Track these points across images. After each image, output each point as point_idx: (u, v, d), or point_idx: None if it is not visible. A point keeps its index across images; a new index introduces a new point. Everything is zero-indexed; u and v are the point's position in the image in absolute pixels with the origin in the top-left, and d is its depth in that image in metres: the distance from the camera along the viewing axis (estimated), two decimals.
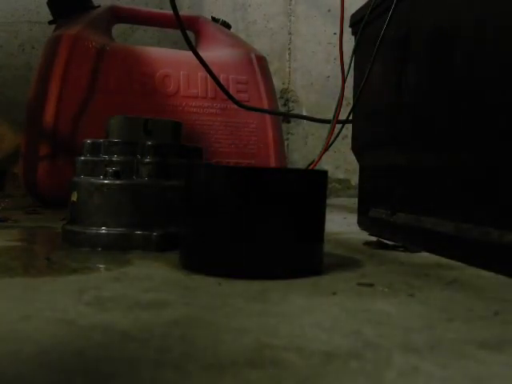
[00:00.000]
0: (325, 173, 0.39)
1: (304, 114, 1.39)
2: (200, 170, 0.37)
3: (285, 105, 1.41)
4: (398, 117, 0.56)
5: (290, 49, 1.42)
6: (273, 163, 1.00)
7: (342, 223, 0.73)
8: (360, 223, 0.67)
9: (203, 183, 0.36)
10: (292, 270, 0.36)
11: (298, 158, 1.41)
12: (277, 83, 1.27)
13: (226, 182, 0.36)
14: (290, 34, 1.42)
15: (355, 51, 0.64)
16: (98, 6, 1.00)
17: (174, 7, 0.67)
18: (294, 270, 0.36)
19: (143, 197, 0.45)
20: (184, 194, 0.38)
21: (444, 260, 0.44)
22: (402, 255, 0.46)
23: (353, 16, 0.69)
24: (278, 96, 1.34)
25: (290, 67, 1.42)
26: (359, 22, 0.63)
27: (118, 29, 1.11)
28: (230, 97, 0.78)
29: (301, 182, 0.36)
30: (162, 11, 1.07)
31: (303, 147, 1.43)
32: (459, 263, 0.42)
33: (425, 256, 0.46)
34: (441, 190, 0.47)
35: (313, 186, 0.37)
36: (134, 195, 0.45)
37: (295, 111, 1.41)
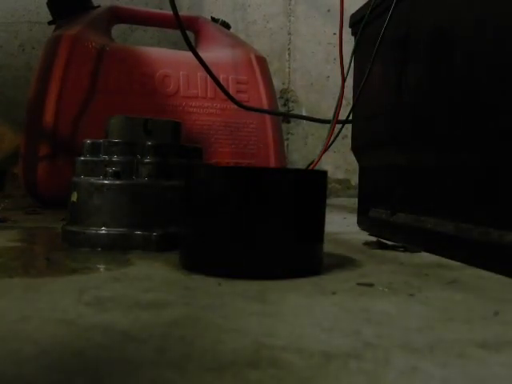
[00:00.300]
0: (324, 173, 0.39)
1: (304, 114, 1.39)
2: (200, 170, 0.37)
3: (285, 105, 1.41)
4: (397, 117, 0.56)
5: (289, 49, 1.42)
6: (273, 163, 1.00)
7: (341, 223, 0.73)
8: (360, 223, 0.67)
9: (203, 183, 0.36)
10: (292, 270, 0.36)
11: (298, 158, 1.41)
12: (276, 83, 1.27)
13: (226, 182, 0.36)
14: (289, 34, 1.42)
15: (355, 51, 0.64)
16: (98, 7, 1.00)
17: (173, 7, 0.67)
18: (294, 270, 0.36)
19: (143, 197, 0.45)
20: (184, 194, 0.38)
21: (444, 260, 0.44)
22: (402, 255, 0.46)
23: (352, 16, 0.69)
24: (278, 96, 1.34)
25: (289, 67, 1.42)
26: (359, 22, 0.63)
27: (117, 29, 1.11)
28: (230, 97, 0.78)
29: (300, 183, 0.36)
30: (161, 11, 1.07)
31: (303, 147, 1.43)
32: (459, 263, 0.42)
33: (425, 256, 0.46)
34: (441, 189, 0.47)
35: (312, 187, 0.37)
36: (134, 195, 0.45)
37: (295, 111, 1.41)
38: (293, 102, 1.42)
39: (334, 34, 1.36)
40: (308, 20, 1.42)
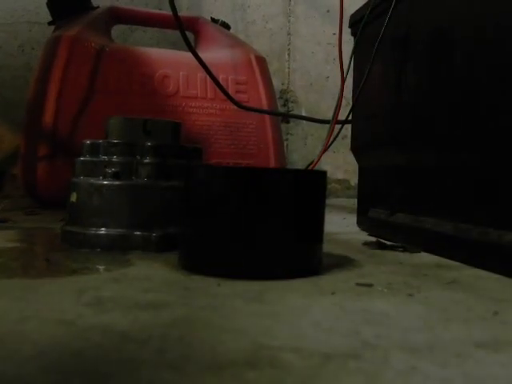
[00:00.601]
0: (324, 173, 0.39)
1: (303, 114, 1.39)
2: (200, 171, 0.37)
3: (284, 105, 1.41)
4: (397, 117, 0.56)
5: (289, 49, 1.42)
6: (272, 164, 1.00)
7: (341, 224, 0.73)
8: (359, 223, 0.67)
9: (203, 183, 0.36)
10: (291, 271, 0.36)
11: (298, 159, 1.41)
12: (276, 84, 1.26)
13: (226, 182, 0.36)
14: (289, 34, 1.42)
15: (354, 51, 0.64)
16: (98, 7, 1.00)
17: (173, 8, 0.68)
18: (294, 270, 0.36)
19: (143, 197, 0.45)
20: (183, 194, 0.38)
21: (443, 260, 0.44)
22: (402, 255, 0.46)
23: (352, 16, 0.69)
24: (278, 96, 1.34)
25: (289, 68, 1.42)
26: (358, 23, 0.63)
27: (117, 29, 1.11)
28: (230, 97, 0.78)
29: (300, 183, 0.36)
30: (161, 12, 1.07)
31: (303, 148, 1.43)
32: (458, 263, 0.42)
33: (424, 256, 0.46)
34: (440, 190, 0.47)
35: (312, 186, 0.37)
36: (134, 196, 0.45)
37: (294, 112, 1.41)
38: (292, 102, 1.42)
39: (334, 34, 1.36)
40: (307, 20, 1.42)
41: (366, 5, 0.64)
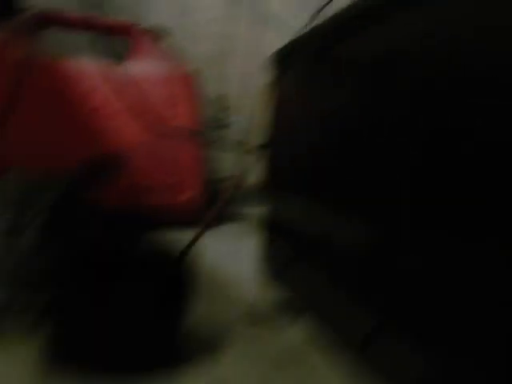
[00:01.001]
0: (183, 269, 0.39)
1: (240, 120, 1.39)
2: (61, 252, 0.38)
3: (221, 111, 1.41)
4: (297, 166, 0.56)
5: (230, 54, 1.41)
6: (194, 181, 1.00)
7: (243, 258, 0.72)
8: (260, 261, 0.67)
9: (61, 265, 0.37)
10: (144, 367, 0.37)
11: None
12: (214, 88, 1.26)
13: (78, 267, 0.36)
14: (231, 39, 1.41)
15: (274, 87, 0.65)
16: (27, 10, 0.97)
17: (103, 15, 0.66)
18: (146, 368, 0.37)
19: (27, 260, 0.45)
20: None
21: (312, 341, 0.45)
22: (275, 336, 0.47)
23: (278, 51, 0.69)
24: (215, 102, 1.34)
25: (228, 73, 1.42)
26: (283, 59, 0.64)
27: (48, 31, 1.08)
28: (156, 116, 0.78)
29: (152, 278, 0.37)
30: (93, 17, 1.05)
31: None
32: (324, 343, 0.44)
33: (296, 334, 0.47)
34: (326, 251, 0.49)
35: (168, 281, 0.38)
36: (17, 258, 0.45)
37: (232, 118, 1.41)
38: (229, 108, 1.42)
39: (276, 42, 1.35)
40: (250, 27, 1.41)
41: (289, 43, 0.64)
